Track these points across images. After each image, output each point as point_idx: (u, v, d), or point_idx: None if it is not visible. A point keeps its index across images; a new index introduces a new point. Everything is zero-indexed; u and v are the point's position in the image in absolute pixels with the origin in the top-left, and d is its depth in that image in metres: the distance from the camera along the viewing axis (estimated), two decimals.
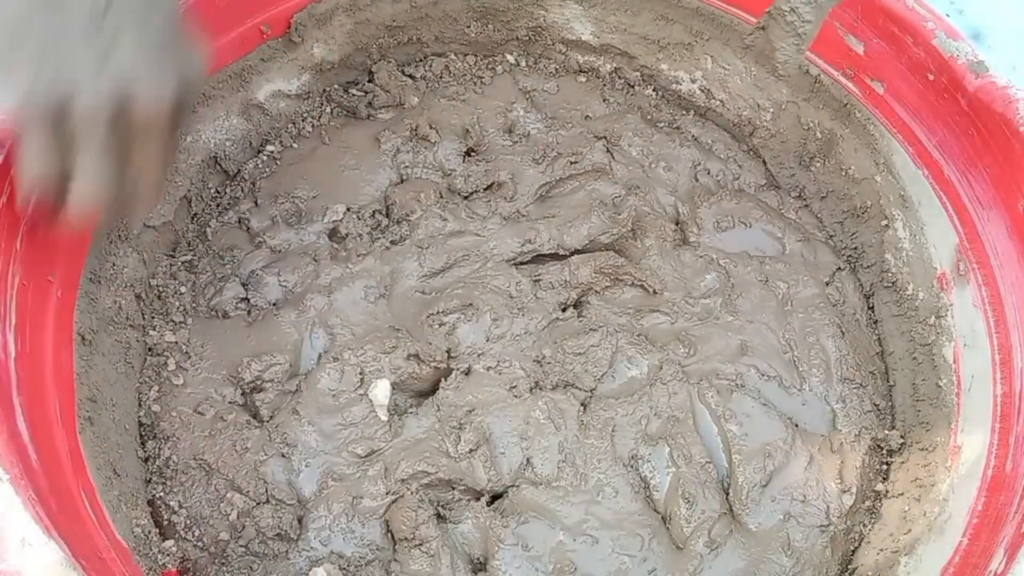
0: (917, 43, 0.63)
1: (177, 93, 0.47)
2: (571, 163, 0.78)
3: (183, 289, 0.69)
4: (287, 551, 0.61)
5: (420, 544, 0.61)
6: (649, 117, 0.84)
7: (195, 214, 0.73)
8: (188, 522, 0.61)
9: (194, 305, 0.69)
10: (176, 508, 0.61)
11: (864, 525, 0.67)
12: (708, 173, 0.81)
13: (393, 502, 0.63)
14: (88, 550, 0.48)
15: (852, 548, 0.67)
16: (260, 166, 0.76)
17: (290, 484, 0.63)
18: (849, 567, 0.66)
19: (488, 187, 0.77)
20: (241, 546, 0.60)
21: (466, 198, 0.77)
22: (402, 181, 0.77)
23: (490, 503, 0.64)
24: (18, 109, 0.44)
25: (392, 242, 0.73)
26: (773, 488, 0.66)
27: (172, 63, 0.47)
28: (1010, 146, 0.58)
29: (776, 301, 0.74)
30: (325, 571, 0.58)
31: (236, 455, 0.63)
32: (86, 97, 0.44)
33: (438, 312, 0.70)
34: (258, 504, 0.61)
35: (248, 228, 0.73)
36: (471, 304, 0.70)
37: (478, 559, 0.63)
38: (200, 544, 0.61)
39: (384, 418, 0.65)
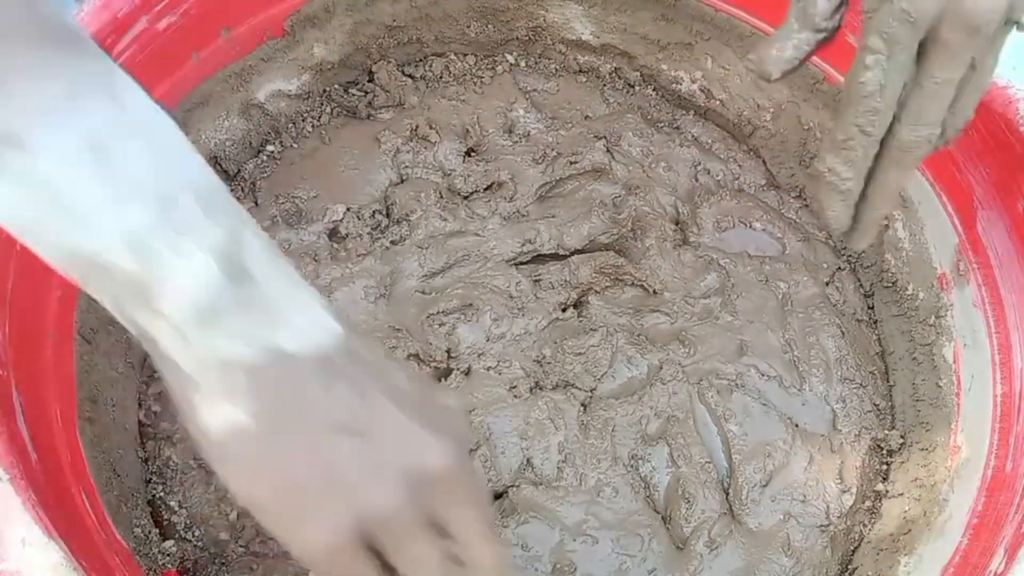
0: None
1: (454, 450, 0.41)
2: (571, 163, 0.78)
3: None
4: (287, 551, 0.60)
5: None
6: (649, 117, 0.84)
7: None
8: (188, 522, 0.61)
9: None
10: (176, 508, 0.61)
11: (864, 525, 0.67)
12: (708, 173, 0.81)
13: None
14: (88, 550, 0.48)
15: (852, 548, 0.67)
16: (260, 166, 0.76)
17: None
18: (849, 567, 0.66)
19: (488, 187, 0.77)
20: (241, 546, 0.60)
21: (466, 198, 0.77)
22: (402, 181, 0.77)
23: (490, 503, 0.64)
24: (323, 549, 0.38)
25: (392, 242, 0.73)
26: (773, 488, 0.66)
27: (435, 429, 0.41)
28: (1010, 146, 0.58)
29: (776, 301, 0.74)
30: None
31: None
32: (384, 502, 0.38)
33: (438, 312, 0.70)
34: None
35: None
36: (471, 304, 0.70)
37: None
38: (200, 544, 0.61)
39: None
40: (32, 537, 0.42)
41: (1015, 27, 0.44)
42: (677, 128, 0.84)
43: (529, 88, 0.84)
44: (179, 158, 0.37)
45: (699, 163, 0.81)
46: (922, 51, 0.43)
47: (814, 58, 0.69)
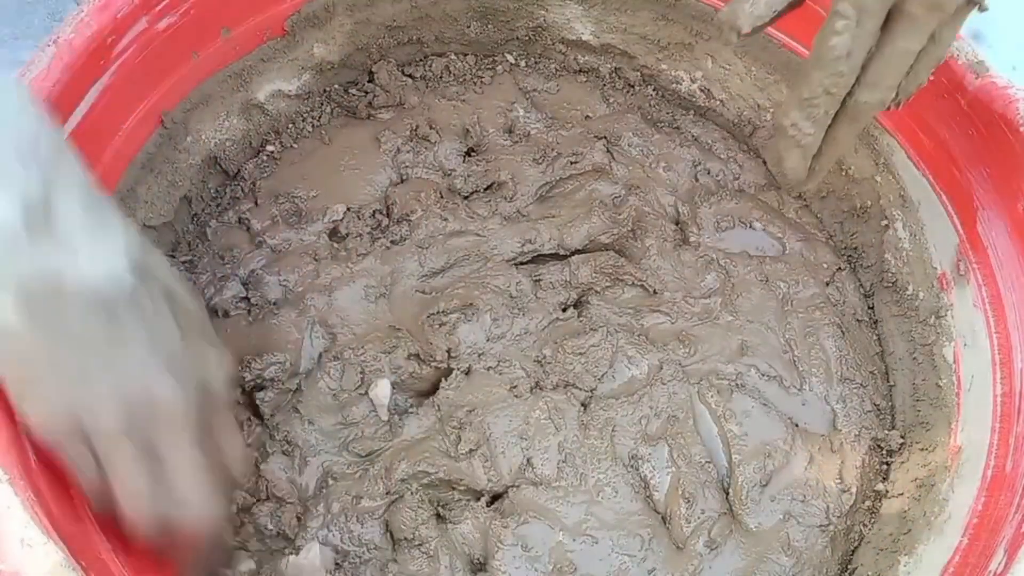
0: None
1: (195, 395, 0.47)
2: (571, 163, 0.78)
3: None
4: (284, 548, 0.61)
5: (420, 544, 0.61)
6: (649, 117, 0.84)
7: (195, 214, 0.73)
8: None
9: None
10: None
11: (864, 525, 0.67)
12: (708, 173, 0.81)
13: (393, 502, 0.63)
14: (88, 550, 0.48)
15: (852, 548, 0.67)
16: (260, 166, 0.76)
17: (291, 482, 0.63)
18: (849, 567, 0.66)
19: (488, 187, 0.77)
20: (237, 541, 0.60)
21: (466, 198, 0.77)
22: (402, 181, 0.77)
23: (490, 503, 0.64)
24: (44, 430, 0.45)
25: (392, 242, 0.73)
26: (773, 488, 0.66)
27: (187, 367, 0.47)
28: (1010, 146, 0.58)
29: (776, 301, 0.74)
30: (321, 552, 0.58)
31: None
32: (100, 417, 0.44)
33: (438, 312, 0.70)
34: (258, 501, 0.61)
35: (248, 228, 0.73)
36: (471, 304, 0.70)
37: (478, 559, 0.63)
38: None
39: (384, 418, 0.65)
40: (32, 537, 0.41)
41: (976, 8, 0.47)
42: (677, 128, 0.84)
43: (529, 88, 0.84)
44: (12, 117, 0.42)
45: (699, 163, 0.81)
46: (888, 21, 0.46)
47: None
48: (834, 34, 0.46)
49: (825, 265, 0.77)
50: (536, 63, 0.85)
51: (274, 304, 0.69)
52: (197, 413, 0.47)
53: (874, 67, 0.47)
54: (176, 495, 0.47)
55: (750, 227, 0.78)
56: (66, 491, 0.49)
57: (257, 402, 0.65)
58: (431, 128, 0.78)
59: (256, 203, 0.73)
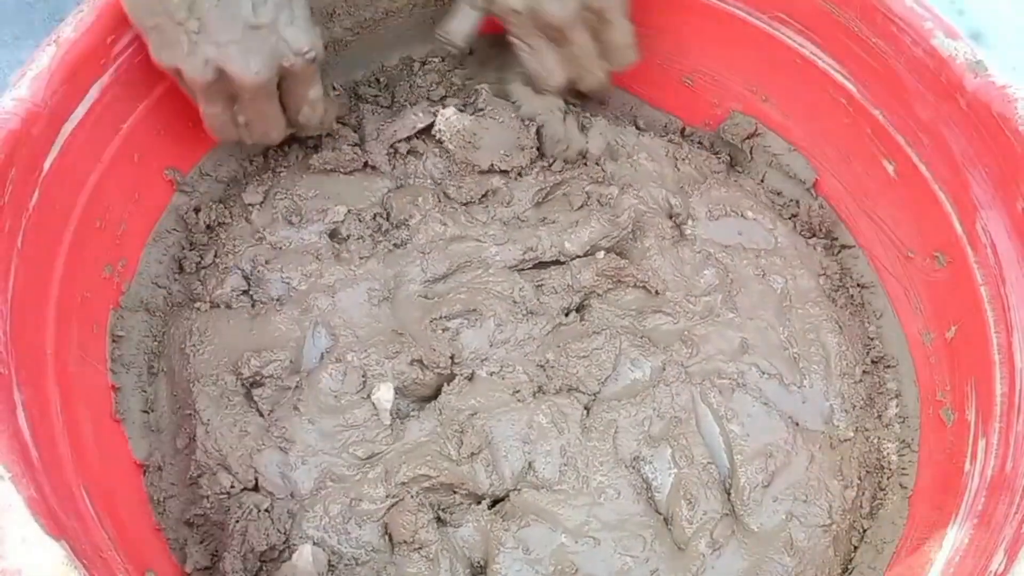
0: (916, 43, 0.63)
1: (267, 66, 0.60)
2: (562, 166, 0.78)
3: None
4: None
5: (419, 548, 0.61)
6: (619, 111, 0.83)
7: (196, 209, 0.73)
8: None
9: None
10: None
11: (865, 524, 0.67)
12: (686, 160, 0.80)
13: (392, 505, 0.62)
14: (88, 549, 0.48)
15: (853, 547, 0.67)
16: (259, 165, 0.76)
17: (283, 478, 0.63)
18: (850, 566, 0.66)
19: (484, 195, 0.76)
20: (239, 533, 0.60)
21: (464, 204, 0.76)
22: (399, 187, 0.76)
23: (491, 507, 0.64)
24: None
25: (395, 245, 0.73)
26: (775, 488, 0.66)
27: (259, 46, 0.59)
28: (1010, 146, 0.58)
29: (775, 296, 0.74)
30: (312, 552, 0.58)
31: (235, 436, 0.63)
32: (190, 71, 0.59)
33: (441, 317, 0.70)
34: (244, 489, 0.62)
35: (249, 222, 0.73)
36: (474, 309, 0.70)
37: (478, 563, 0.63)
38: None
39: (387, 422, 0.65)
40: (33, 535, 0.41)
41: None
42: (645, 119, 0.84)
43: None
44: None
45: (671, 152, 0.80)
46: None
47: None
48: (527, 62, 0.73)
49: (817, 258, 0.77)
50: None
51: (277, 301, 0.69)
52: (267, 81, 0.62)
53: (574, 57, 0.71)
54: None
55: (742, 216, 0.78)
56: (67, 489, 0.49)
57: (255, 398, 0.65)
58: (425, 133, 0.77)
59: (256, 199, 0.73)
